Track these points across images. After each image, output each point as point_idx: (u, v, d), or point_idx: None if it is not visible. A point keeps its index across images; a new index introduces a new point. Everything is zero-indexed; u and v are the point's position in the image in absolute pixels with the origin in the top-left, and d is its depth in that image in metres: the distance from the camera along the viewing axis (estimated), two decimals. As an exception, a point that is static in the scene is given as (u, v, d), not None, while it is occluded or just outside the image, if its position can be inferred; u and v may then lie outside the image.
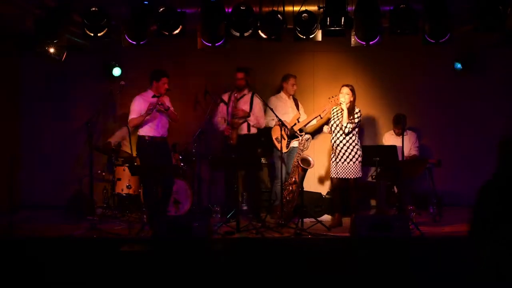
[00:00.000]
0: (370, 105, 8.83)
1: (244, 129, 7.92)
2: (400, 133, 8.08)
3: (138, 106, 7.44)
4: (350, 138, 7.36)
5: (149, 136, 7.48)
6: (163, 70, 7.60)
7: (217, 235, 6.73)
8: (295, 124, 7.95)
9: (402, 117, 7.92)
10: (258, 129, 8.05)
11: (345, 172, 7.33)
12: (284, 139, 7.77)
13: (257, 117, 7.97)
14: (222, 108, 8.08)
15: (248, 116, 7.86)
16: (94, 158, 7.58)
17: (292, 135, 7.71)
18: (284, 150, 7.67)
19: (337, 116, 7.54)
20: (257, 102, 8.01)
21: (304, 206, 7.42)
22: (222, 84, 8.40)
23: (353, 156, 7.31)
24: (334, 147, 7.43)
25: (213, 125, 8.15)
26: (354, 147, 7.35)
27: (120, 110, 8.90)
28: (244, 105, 7.94)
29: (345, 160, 7.31)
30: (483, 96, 8.90)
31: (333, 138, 7.46)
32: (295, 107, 8.25)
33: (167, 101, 7.62)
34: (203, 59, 8.71)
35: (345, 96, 7.40)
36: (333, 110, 7.63)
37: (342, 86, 7.52)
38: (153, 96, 7.45)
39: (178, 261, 5.81)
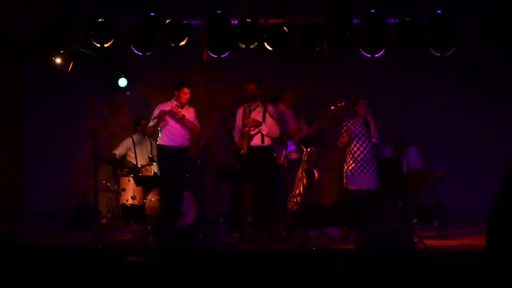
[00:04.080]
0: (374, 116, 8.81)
1: (257, 140, 7.73)
2: (399, 154, 8.06)
3: (157, 114, 7.58)
4: (373, 149, 7.34)
5: (166, 145, 7.59)
6: (184, 80, 7.66)
7: (221, 246, 6.72)
8: (294, 134, 7.94)
9: (403, 142, 7.89)
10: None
11: (367, 183, 7.22)
12: (282, 151, 7.74)
13: (270, 126, 7.74)
14: (238, 121, 7.90)
15: (260, 125, 7.80)
16: (99, 168, 7.59)
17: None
18: (281, 161, 7.63)
19: (357, 128, 7.40)
20: (271, 112, 7.88)
21: (308, 218, 7.40)
22: (228, 94, 8.41)
23: (375, 167, 7.26)
24: (358, 159, 7.26)
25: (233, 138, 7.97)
26: (374, 158, 7.30)
27: (126, 121, 8.92)
28: (256, 115, 7.77)
29: (367, 171, 7.22)
30: (488, 109, 8.89)
31: (358, 149, 7.30)
32: (295, 117, 8.21)
33: (192, 112, 7.69)
34: (209, 69, 8.73)
35: (365, 107, 7.35)
36: (347, 121, 7.51)
37: (361, 99, 7.42)
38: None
39: (183, 272, 5.79)
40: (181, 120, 7.53)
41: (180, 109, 7.55)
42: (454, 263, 5.89)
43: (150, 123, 7.67)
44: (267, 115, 7.81)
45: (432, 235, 7.36)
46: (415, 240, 6.44)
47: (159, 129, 7.60)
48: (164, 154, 7.67)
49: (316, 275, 5.79)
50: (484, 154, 8.65)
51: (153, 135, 7.92)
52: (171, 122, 7.56)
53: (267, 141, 7.79)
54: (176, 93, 7.62)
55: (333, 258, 6.46)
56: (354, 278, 5.65)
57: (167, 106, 7.59)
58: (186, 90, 7.59)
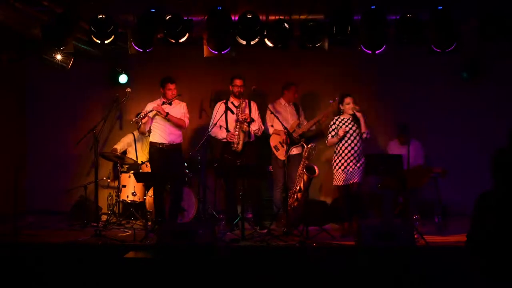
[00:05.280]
0: (375, 113, 8.79)
1: (246, 137, 7.83)
2: (404, 142, 8.03)
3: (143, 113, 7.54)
4: (362, 145, 7.34)
5: (158, 143, 7.59)
6: (168, 76, 7.67)
7: (222, 242, 6.72)
8: (294, 130, 7.94)
9: (405, 125, 7.90)
10: (256, 136, 8.02)
11: (352, 177, 7.26)
12: (283, 147, 7.75)
13: (259, 123, 7.95)
14: (220, 116, 7.82)
15: (253, 121, 7.82)
16: (99, 164, 7.58)
17: (292, 142, 7.67)
18: (283, 158, 7.62)
19: (344, 125, 7.40)
20: (255, 108, 8.00)
21: (309, 214, 7.40)
22: (228, 91, 8.40)
23: (362, 162, 7.29)
24: (345, 155, 7.30)
25: (212, 133, 7.85)
26: (362, 153, 7.34)
27: (126, 117, 8.91)
28: (244, 111, 7.88)
29: (355, 165, 7.25)
30: (489, 105, 8.86)
31: (348, 145, 7.31)
32: (295, 113, 8.22)
33: (181, 107, 7.70)
34: (209, 66, 8.71)
35: (353, 105, 7.36)
36: (336, 119, 7.53)
37: (346, 96, 7.45)
38: (163, 103, 7.54)
39: (183, 269, 5.80)
40: (165, 117, 7.53)
41: (168, 106, 7.57)
42: (455, 259, 5.89)
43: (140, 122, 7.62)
44: (254, 112, 7.86)
45: (433, 231, 7.36)
46: (415, 236, 6.43)
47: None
48: (155, 152, 7.70)
49: (317, 271, 5.79)
50: (485, 150, 8.60)
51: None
52: (159, 119, 7.58)
53: (252, 137, 7.84)
54: (161, 90, 7.65)
55: (334, 254, 6.46)
56: (354, 274, 5.65)
57: (154, 105, 7.58)
58: (170, 86, 7.60)
